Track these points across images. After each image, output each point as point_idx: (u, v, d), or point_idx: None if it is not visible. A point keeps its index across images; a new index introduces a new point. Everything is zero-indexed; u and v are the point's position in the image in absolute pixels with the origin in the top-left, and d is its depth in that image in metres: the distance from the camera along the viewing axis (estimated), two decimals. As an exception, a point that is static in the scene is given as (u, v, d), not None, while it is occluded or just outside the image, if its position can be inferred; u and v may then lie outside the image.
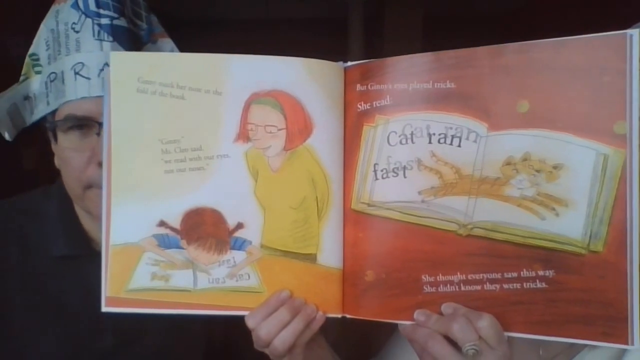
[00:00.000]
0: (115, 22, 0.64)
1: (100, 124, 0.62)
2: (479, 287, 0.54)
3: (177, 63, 0.55)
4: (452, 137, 0.54)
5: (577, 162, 0.50)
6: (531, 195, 0.52)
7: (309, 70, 0.54)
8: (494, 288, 0.54)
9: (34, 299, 0.67)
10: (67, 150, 0.63)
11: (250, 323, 0.55)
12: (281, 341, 0.54)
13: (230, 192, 0.54)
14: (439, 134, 0.54)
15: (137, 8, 0.68)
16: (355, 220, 0.59)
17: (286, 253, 0.57)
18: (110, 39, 0.63)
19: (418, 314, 0.56)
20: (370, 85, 0.57)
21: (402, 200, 0.57)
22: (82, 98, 0.61)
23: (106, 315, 0.68)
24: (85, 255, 0.68)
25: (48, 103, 0.63)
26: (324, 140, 0.56)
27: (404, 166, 0.56)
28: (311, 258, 0.58)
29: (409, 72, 0.56)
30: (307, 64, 0.55)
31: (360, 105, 0.58)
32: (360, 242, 0.59)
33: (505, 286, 0.53)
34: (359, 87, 0.58)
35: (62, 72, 0.61)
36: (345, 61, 0.58)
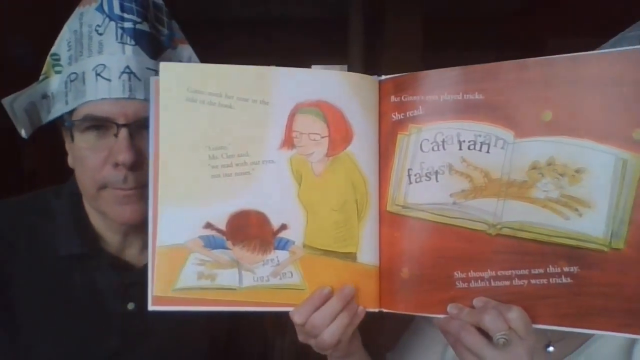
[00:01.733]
0: (138, 26, 0.65)
1: (119, 125, 0.63)
2: (507, 283, 0.58)
3: (226, 74, 0.57)
4: (482, 143, 0.58)
5: (598, 166, 0.53)
6: (555, 197, 0.55)
7: (349, 83, 0.58)
8: (522, 283, 0.57)
9: (43, 297, 0.68)
10: (83, 149, 0.64)
11: (296, 318, 0.58)
12: (330, 333, 0.57)
13: (274, 196, 0.58)
14: (469, 141, 0.58)
15: (160, 14, 0.69)
16: (390, 221, 0.63)
17: (327, 252, 0.60)
18: (133, 42, 0.64)
19: (451, 307, 0.59)
20: (404, 97, 0.62)
21: (435, 203, 0.61)
22: (102, 99, 0.61)
23: (113, 315, 0.68)
24: (94, 254, 0.69)
25: (67, 102, 0.64)
26: (363, 147, 0.60)
27: (436, 171, 0.60)
28: (351, 257, 0.61)
29: (440, 84, 0.60)
30: (347, 77, 0.59)
31: (395, 115, 0.62)
32: (396, 242, 0.63)
33: (533, 281, 0.57)
34: (392, 98, 0.62)
35: (83, 73, 0.62)
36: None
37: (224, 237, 0.57)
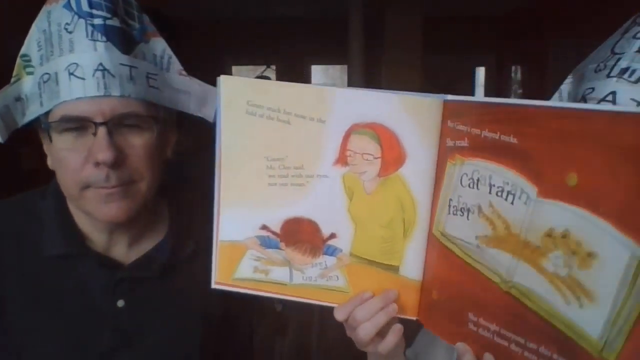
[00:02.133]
0: (108, 22, 0.63)
1: (97, 124, 0.62)
2: (506, 344, 0.56)
3: (285, 91, 0.59)
4: (508, 193, 0.55)
5: (611, 257, 0.45)
6: (563, 276, 0.50)
7: (406, 105, 0.59)
8: (517, 350, 0.55)
9: (32, 298, 0.68)
10: (62, 151, 0.63)
11: (338, 315, 0.62)
12: (365, 329, 0.61)
13: (326, 207, 0.61)
14: (498, 187, 0.56)
15: (129, 8, 0.68)
16: (433, 243, 0.64)
17: (372, 262, 0.64)
18: (104, 39, 0.63)
19: (460, 346, 0.60)
20: (456, 124, 0.59)
21: (463, 240, 0.60)
22: (78, 99, 0.61)
23: (104, 313, 0.68)
24: (80, 253, 0.68)
25: (41, 104, 0.62)
26: (415, 170, 0.61)
27: (469, 208, 0.59)
28: (394, 269, 0.65)
29: (483, 118, 0.57)
30: (405, 100, 0.59)
31: (448, 140, 0.61)
32: (434, 264, 0.64)
33: (526, 354, 0.54)
34: (449, 123, 0.61)
35: (56, 73, 0.61)
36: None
37: (278, 239, 0.62)
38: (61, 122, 0.62)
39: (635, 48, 0.55)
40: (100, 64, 0.61)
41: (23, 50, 0.64)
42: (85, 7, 0.62)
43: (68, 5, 0.62)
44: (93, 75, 0.61)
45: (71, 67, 0.61)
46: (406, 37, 4.76)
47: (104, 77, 0.61)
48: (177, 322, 0.74)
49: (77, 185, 0.64)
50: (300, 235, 0.61)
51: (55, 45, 0.62)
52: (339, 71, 8.79)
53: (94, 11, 0.62)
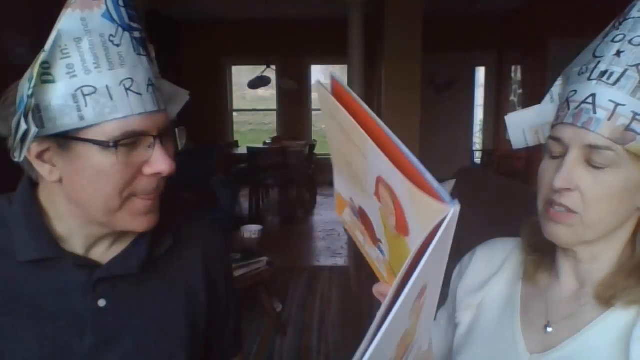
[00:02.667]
0: (142, 35, 0.64)
1: (155, 137, 0.63)
2: None
3: (343, 117, 0.59)
4: None
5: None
6: None
7: (414, 199, 0.53)
8: None
9: (8, 304, 0.67)
10: (115, 164, 0.61)
11: (374, 291, 0.62)
12: None
13: (375, 221, 0.64)
14: None
15: (135, 12, 0.66)
16: None
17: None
18: (145, 52, 0.63)
19: None
20: None
21: None
22: (139, 114, 0.61)
23: (85, 313, 0.68)
24: (56, 256, 0.68)
25: (82, 117, 0.59)
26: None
27: None
28: None
29: None
30: (413, 193, 0.53)
31: None
32: None
33: None
34: None
35: (107, 87, 0.59)
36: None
37: (357, 215, 0.66)
38: (126, 137, 0.61)
39: (613, 51, 0.57)
40: (149, 79, 0.63)
41: (44, 58, 0.58)
42: (126, 19, 0.61)
43: (109, 16, 0.60)
44: (147, 90, 0.62)
45: (126, 82, 0.60)
46: (406, 37, 4.76)
47: (154, 92, 0.63)
48: (160, 318, 0.74)
49: (120, 198, 0.63)
50: (366, 224, 0.65)
51: (101, 57, 0.59)
52: (338, 71, 8.80)
53: (132, 24, 0.62)
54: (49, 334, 0.67)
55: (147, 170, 0.63)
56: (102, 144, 0.60)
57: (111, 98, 0.60)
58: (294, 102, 7.79)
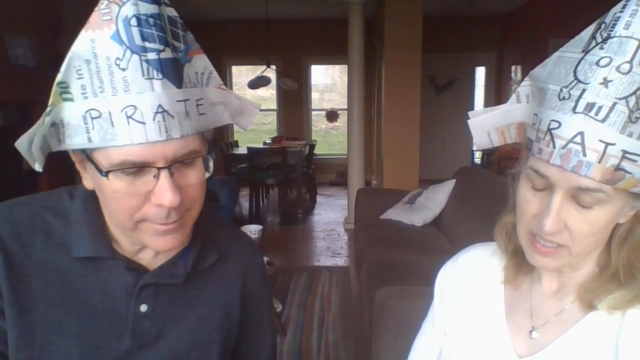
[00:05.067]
0: (162, 55, 0.58)
1: (160, 169, 0.59)
2: None
3: None
4: None
5: None
6: None
7: None
8: None
9: (58, 296, 0.67)
10: (117, 192, 0.60)
11: None
12: None
13: None
14: None
15: (175, 28, 0.62)
16: None
17: None
18: (160, 76, 0.58)
19: None
20: None
21: None
22: (140, 144, 0.58)
23: (126, 316, 0.68)
24: (107, 257, 0.68)
25: (90, 140, 0.58)
26: None
27: None
28: None
29: None
30: None
31: None
32: None
33: None
34: None
35: (110, 113, 0.57)
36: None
37: None
38: (122, 166, 0.58)
39: (599, 79, 0.53)
40: (160, 106, 0.58)
41: (60, 78, 0.58)
42: (137, 40, 0.57)
43: (118, 38, 0.56)
44: (154, 119, 0.57)
45: (128, 110, 0.57)
46: (406, 37, 4.76)
47: (164, 119, 0.58)
48: (195, 329, 0.74)
49: (132, 221, 0.62)
50: None
51: (106, 81, 0.57)
52: (338, 71, 8.79)
53: (147, 44, 0.57)
54: (90, 331, 0.68)
55: (153, 200, 0.61)
56: (99, 170, 0.60)
57: (112, 125, 0.57)
58: (294, 102, 7.79)
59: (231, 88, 7.96)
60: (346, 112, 5.16)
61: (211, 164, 0.67)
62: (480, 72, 7.59)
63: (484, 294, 0.75)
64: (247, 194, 5.63)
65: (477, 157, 7.36)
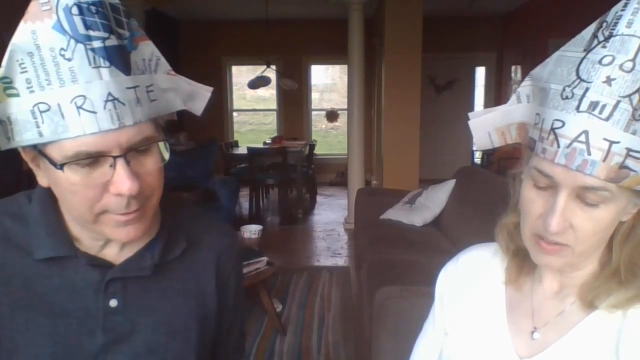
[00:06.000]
0: (107, 42, 0.57)
1: (115, 157, 0.59)
2: None
3: None
4: None
5: None
6: None
7: None
8: None
9: (22, 300, 0.67)
10: (74, 184, 0.60)
11: None
12: None
13: None
14: None
15: (118, 15, 0.61)
16: None
17: None
18: (107, 63, 0.57)
19: None
20: None
21: None
22: (92, 133, 0.57)
23: (96, 313, 0.68)
24: (70, 256, 0.68)
25: (41, 134, 0.57)
26: None
27: None
28: None
29: None
30: None
31: None
32: None
33: None
34: None
35: (59, 105, 0.56)
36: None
37: None
38: (76, 158, 0.58)
39: (602, 77, 0.52)
40: (110, 94, 0.57)
41: (2, 73, 0.57)
42: (81, 29, 0.56)
43: (59, 27, 0.55)
44: (104, 107, 0.57)
45: (78, 100, 0.56)
46: (406, 37, 4.76)
47: (115, 107, 0.57)
48: (170, 320, 0.73)
49: (92, 213, 0.62)
50: None
51: (52, 73, 0.56)
52: (338, 71, 8.79)
53: (91, 32, 0.56)
54: (60, 331, 0.68)
55: (111, 189, 0.60)
56: (53, 164, 0.59)
57: (63, 117, 0.56)
58: (294, 102, 7.79)
59: (231, 88, 7.97)
60: (346, 112, 5.16)
61: (167, 150, 0.66)
62: (480, 72, 7.58)
63: (484, 295, 0.74)
64: (247, 194, 5.63)
65: (477, 157, 7.35)
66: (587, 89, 0.53)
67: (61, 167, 0.58)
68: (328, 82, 9.18)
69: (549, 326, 0.66)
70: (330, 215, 5.72)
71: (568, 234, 0.58)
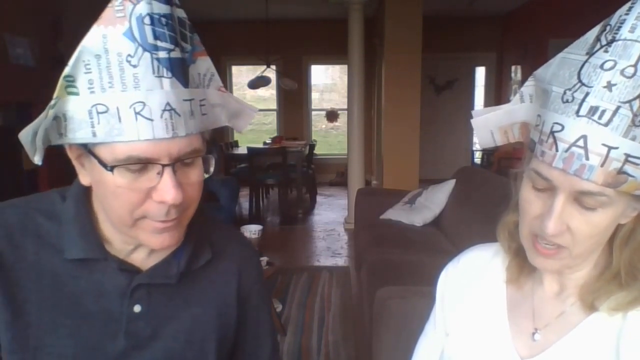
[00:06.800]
0: (172, 54, 0.60)
1: (164, 166, 0.60)
2: None
3: None
4: None
5: None
6: None
7: None
8: None
9: (49, 297, 0.68)
10: (119, 187, 0.61)
11: None
12: None
13: None
14: None
15: (184, 29, 0.63)
16: None
17: None
18: (169, 74, 0.59)
19: None
20: None
21: None
22: (146, 140, 0.58)
23: (120, 317, 0.68)
24: (100, 258, 0.69)
25: (94, 134, 0.59)
26: None
27: None
28: None
29: None
30: None
31: None
32: None
33: None
34: None
35: (118, 109, 0.58)
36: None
37: None
38: (127, 162, 0.59)
39: (603, 82, 0.52)
40: (168, 104, 0.59)
41: (67, 71, 0.59)
42: (150, 38, 0.58)
43: (130, 35, 0.57)
44: (161, 116, 0.58)
45: (137, 106, 0.58)
46: (406, 37, 4.76)
47: (171, 117, 0.59)
48: (190, 329, 0.74)
49: (131, 217, 0.63)
50: None
51: (116, 77, 0.58)
52: (338, 71, 8.79)
53: (159, 43, 0.58)
54: (84, 333, 0.68)
55: (155, 196, 0.62)
56: (103, 165, 0.60)
57: (120, 120, 0.58)
58: (294, 102, 7.79)
59: (231, 88, 7.96)
60: (346, 112, 5.16)
61: (212, 164, 0.68)
62: (480, 72, 7.59)
63: (485, 295, 0.74)
64: (247, 194, 5.63)
65: (477, 157, 7.36)
66: (587, 94, 0.53)
67: (111, 169, 0.60)
68: (328, 82, 9.18)
69: (549, 327, 0.66)
70: (330, 215, 5.72)
71: (565, 236, 0.58)
